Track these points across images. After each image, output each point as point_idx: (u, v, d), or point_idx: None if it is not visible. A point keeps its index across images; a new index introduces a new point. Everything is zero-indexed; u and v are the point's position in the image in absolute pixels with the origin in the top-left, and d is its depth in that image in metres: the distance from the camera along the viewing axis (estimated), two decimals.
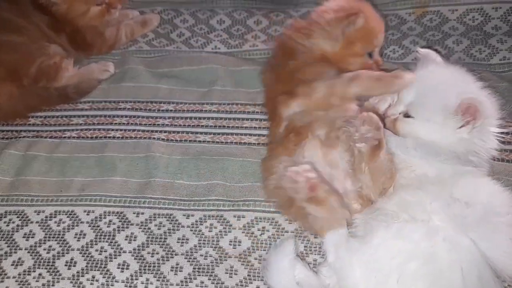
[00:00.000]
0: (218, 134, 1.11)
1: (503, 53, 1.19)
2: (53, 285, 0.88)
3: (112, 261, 0.91)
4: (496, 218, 0.76)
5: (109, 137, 1.12)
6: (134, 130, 1.13)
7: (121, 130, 1.13)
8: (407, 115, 0.87)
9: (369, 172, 0.86)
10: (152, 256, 0.92)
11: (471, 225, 0.75)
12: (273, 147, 0.97)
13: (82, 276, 0.89)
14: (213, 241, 0.93)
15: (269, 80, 1.04)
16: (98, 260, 0.91)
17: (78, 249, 0.93)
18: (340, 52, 0.98)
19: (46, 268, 0.91)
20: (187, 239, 0.94)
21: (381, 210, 0.82)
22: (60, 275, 0.90)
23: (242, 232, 0.94)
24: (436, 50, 0.99)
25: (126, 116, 1.16)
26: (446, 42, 1.23)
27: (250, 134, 1.10)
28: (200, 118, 1.15)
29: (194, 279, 0.88)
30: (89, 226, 0.97)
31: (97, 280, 0.89)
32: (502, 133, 0.89)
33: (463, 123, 0.82)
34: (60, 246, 0.94)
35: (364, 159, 0.85)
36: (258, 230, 0.94)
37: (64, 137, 1.13)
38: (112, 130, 1.13)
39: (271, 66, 1.05)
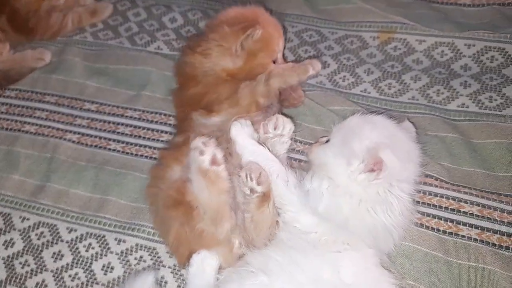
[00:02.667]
0: (131, 144, 1.05)
1: (463, 99, 1.03)
2: None
3: None
4: None
5: (23, 131, 1.08)
6: (49, 127, 1.08)
7: (36, 125, 1.09)
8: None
9: (253, 222, 0.77)
10: (22, 268, 0.89)
11: None
12: (164, 155, 0.90)
13: None
14: (87, 262, 0.88)
15: (178, 101, 0.98)
16: None
17: None
18: (244, 66, 0.91)
19: None
20: (62, 255, 0.89)
21: (247, 265, 0.73)
22: None
23: (118, 259, 0.88)
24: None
25: (47, 110, 1.12)
26: (403, 77, 1.09)
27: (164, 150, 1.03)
28: (118, 123, 1.08)
29: None
30: None
31: None
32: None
33: (365, 168, 0.74)
34: None
35: (249, 210, 0.77)
36: (135, 259, 0.88)
37: None
38: (28, 123, 1.09)
39: (178, 89, 0.98)
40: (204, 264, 0.77)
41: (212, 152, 0.72)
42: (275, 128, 0.87)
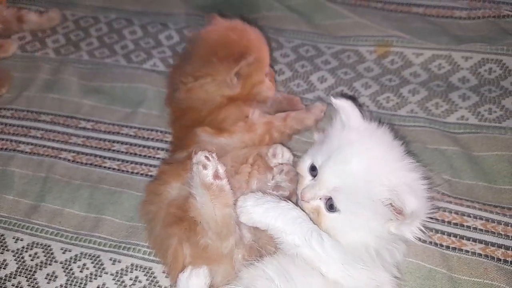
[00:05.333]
0: (127, 162, 1.03)
1: (462, 112, 1.02)
2: None
3: None
4: None
5: (18, 151, 1.07)
6: (44, 146, 1.07)
7: (31, 144, 1.08)
8: (331, 206, 0.71)
9: None
10: None
11: None
12: (165, 170, 0.87)
13: None
14: (81, 283, 0.85)
15: (177, 124, 0.97)
16: None
17: None
18: (243, 90, 0.92)
19: None
20: (56, 277, 0.87)
21: (239, 281, 0.71)
22: None
23: (113, 279, 0.86)
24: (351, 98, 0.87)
25: (42, 130, 1.11)
26: (401, 90, 1.08)
27: None
28: (114, 141, 1.07)
29: None
30: None
31: None
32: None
33: (391, 217, 0.68)
34: None
35: None
36: (130, 279, 0.85)
37: None
38: (23, 143, 1.08)
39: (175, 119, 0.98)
40: (189, 283, 0.73)
41: (215, 167, 0.71)
42: (274, 156, 0.87)
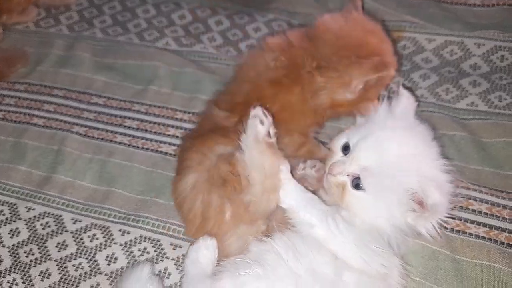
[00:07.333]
0: (137, 137, 1.05)
1: (472, 98, 1.02)
2: None
3: None
4: None
5: (31, 123, 1.09)
6: (57, 120, 1.09)
7: (44, 118, 1.10)
8: (357, 184, 0.71)
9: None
10: (27, 256, 0.89)
11: None
12: (210, 135, 0.82)
13: None
14: (90, 252, 0.88)
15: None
16: None
17: None
18: (353, 101, 0.83)
19: None
20: (66, 245, 0.89)
21: (247, 254, 0.72)
22: None
23: (122, 250, 0.88)
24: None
25: (55, 104, 1.12)
26: (412, 75, 1.08)
27: (170, 143, 1.03)
28: (125, 117, 1.09)
29: None
30: None
31: None
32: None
33: (412, 208, 0.69)
34: None
35: None
36: (139, 250, 0.88)
37: None
38: (36, 116, 1.10)
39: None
40: (199, 254, 0.76)
41: (269, 125, 0.71)
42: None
